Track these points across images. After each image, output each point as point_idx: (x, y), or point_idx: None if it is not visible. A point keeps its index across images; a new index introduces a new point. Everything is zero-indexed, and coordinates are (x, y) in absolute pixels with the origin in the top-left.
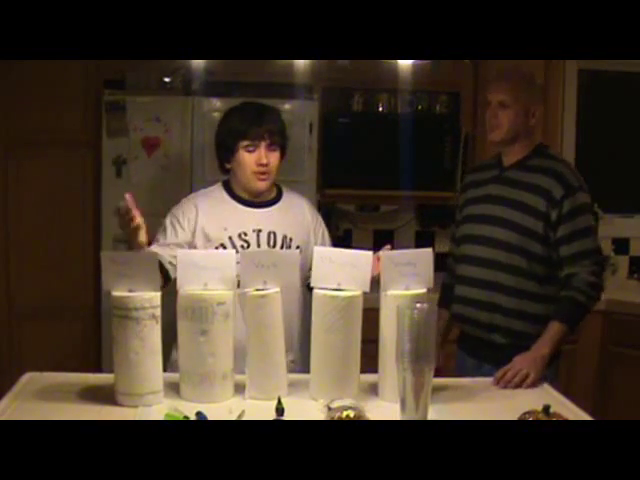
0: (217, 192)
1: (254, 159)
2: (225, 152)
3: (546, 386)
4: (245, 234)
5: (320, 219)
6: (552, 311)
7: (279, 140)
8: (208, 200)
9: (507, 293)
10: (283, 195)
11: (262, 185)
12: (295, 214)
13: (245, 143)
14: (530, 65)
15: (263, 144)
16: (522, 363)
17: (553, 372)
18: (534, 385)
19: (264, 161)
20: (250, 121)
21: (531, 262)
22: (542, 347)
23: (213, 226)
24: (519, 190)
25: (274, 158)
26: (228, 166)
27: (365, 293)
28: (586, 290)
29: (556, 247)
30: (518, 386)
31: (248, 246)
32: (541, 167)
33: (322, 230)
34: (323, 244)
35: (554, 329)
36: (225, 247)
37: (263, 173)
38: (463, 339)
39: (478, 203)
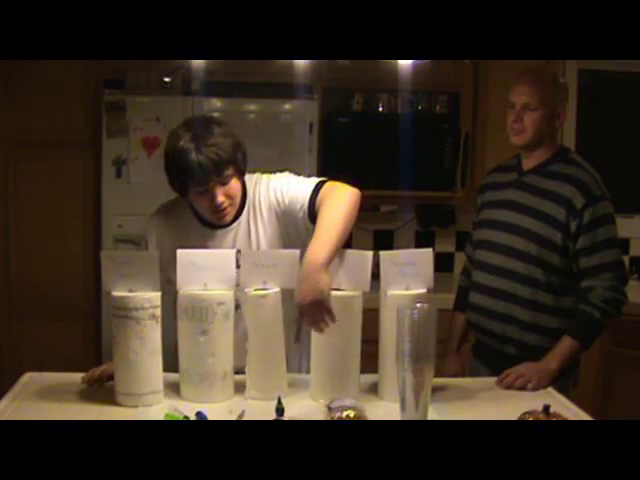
0: (180, 210)
1: (208, 202)
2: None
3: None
4: None
5: (270, 186)
6: (567, 325)
7: (232, 170)
8: (172, 223)
9: (522, 305)
10: (247, 200)
11: (225, 220)
12: (262, 217)
13: (194, 189)
14: (532, 65)
15: (213, 184)
16: (527, 370)
17: (572, 380)
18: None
19: (219, 201)
20: (191, 167)
21: (549, 274)
22: (551, 362)
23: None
24: (539, 198)
25: (232, 190)
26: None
27: (365, 293)
28: (603, 306)
29: (575, 259)
30: (519, 389)
31: None
32: (562, 174)
33: (274, 190)
34: (287, 187)
35: (565, 344)
36: None
37: (223, 210)
38: (478, 347)
39: (496, 208)
